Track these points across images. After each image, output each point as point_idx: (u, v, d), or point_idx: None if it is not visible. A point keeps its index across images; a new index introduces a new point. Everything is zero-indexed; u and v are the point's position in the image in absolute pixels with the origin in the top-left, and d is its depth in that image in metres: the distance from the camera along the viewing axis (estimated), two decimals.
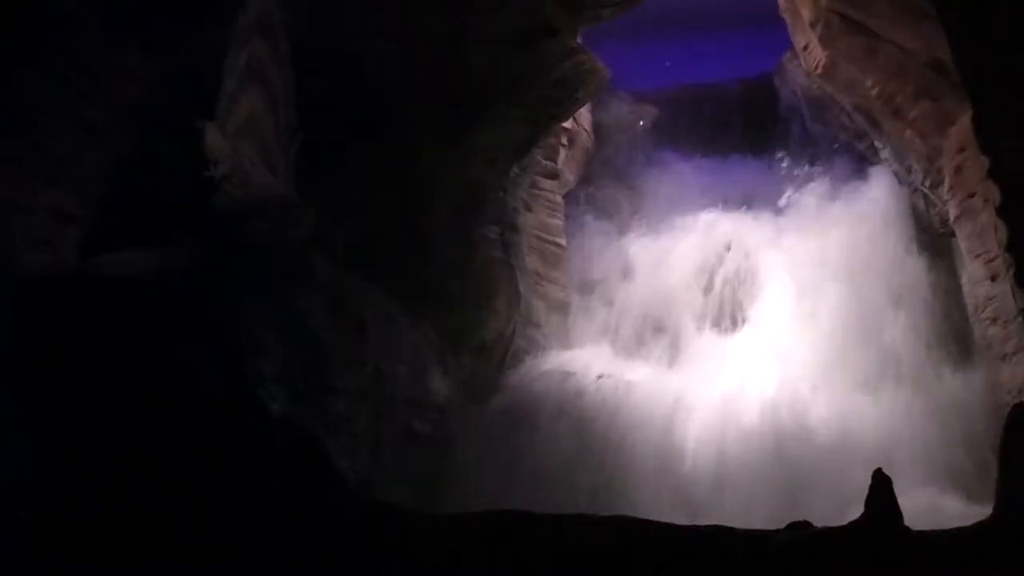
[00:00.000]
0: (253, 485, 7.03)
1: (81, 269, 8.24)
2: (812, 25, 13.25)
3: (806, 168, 16.09)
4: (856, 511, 6.85)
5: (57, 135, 8.50)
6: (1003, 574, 6.40)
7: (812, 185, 15.45)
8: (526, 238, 14.17)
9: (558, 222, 15.12)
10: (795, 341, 13.17)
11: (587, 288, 14.89)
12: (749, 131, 17.85)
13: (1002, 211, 7.73)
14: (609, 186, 16.66)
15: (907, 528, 6.63)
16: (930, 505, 9.27)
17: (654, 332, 14.19)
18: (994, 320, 11.91)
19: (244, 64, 9.52)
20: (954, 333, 12.79)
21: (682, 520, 7.56)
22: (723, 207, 15.71)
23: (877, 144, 14.30)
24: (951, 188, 12.42)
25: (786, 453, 11.15)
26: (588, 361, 13.09)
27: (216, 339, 7.88)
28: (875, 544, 6.52)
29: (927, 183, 13.24)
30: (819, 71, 13.59)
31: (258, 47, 9.73)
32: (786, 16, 14.13)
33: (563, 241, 15.15)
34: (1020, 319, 11.20)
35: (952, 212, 12.57)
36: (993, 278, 11.69)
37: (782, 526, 7.13)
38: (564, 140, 15.38)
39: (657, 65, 18.42)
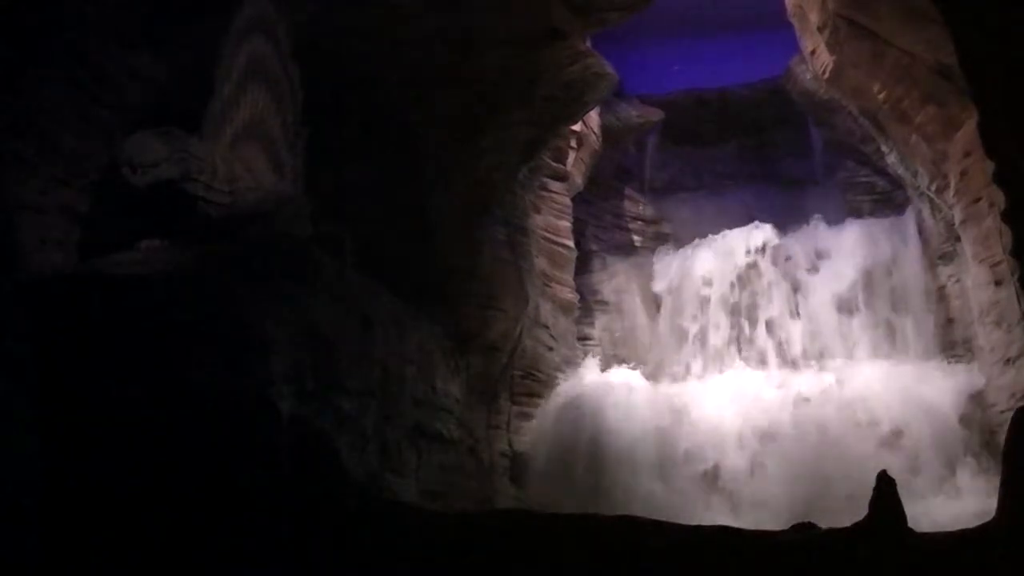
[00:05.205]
0: (261, 483, 7.04)
1: (91, 268, 8.26)
2: (820, 30, 13.26)
3: None
4: None
5: (67, 135, 8.51)
6: None
7: None
8: (534, 239, 14.22)
9: (566, 224, 15.17)
10: None
11: None
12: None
13: (1007, 215, 7.70)
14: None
15: (911, 530, 6.64)
16: None
17: None
18: (997, 324, 11.94)
19: (243, 64, 9.45)
20: None
21: None
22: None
23: (883, 148, 14.32)
24: (956, 193, 12.44)
25: None
26: None
27: (224, 338, 7.88)
28: (879, 546, 6.52)
29: (933, 187, 13.25)
30: (826, 76, 13.59)
31: (258, 46, 9.64)
32: (794, 20, 14.15)
33: (571, 243, 15.21)
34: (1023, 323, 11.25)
35: (957, 216, 12.60)
36: (997, 283, 11.72)
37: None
38: (573, 142, 15.42)
39: (665, 69, 18.48)
